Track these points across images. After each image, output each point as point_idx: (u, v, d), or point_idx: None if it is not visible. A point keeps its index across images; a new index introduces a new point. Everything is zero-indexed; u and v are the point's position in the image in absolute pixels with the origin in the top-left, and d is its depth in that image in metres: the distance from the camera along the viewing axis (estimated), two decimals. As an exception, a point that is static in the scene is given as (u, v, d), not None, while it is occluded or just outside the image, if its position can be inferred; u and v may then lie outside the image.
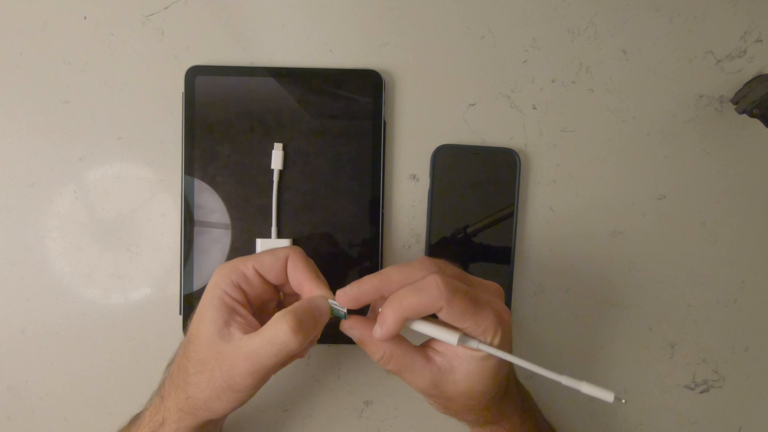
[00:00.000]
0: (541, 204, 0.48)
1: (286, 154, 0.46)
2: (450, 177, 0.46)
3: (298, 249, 0.38)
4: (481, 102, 0.47)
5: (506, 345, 0.35)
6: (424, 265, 0.34)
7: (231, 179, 0.46)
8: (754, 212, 0.48)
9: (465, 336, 0.34)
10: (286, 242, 0.45)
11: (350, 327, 0.36)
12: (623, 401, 0.32)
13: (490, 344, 0.34)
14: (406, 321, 0.34)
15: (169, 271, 0.47)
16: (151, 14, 0.46)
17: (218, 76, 0.45)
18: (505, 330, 0.34)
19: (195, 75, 0.45)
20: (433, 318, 0.34)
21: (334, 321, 0.36)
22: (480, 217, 0.47)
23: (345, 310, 0.35)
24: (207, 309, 0.35)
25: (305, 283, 0.36)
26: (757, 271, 0.48)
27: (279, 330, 0.33)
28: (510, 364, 0.38)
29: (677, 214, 0.48)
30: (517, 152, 0.46)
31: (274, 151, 0.45)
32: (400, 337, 0.36)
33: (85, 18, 0.46)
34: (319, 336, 0.35)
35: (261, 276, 0.37)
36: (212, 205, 0.46)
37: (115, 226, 0.47)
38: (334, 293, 0.35)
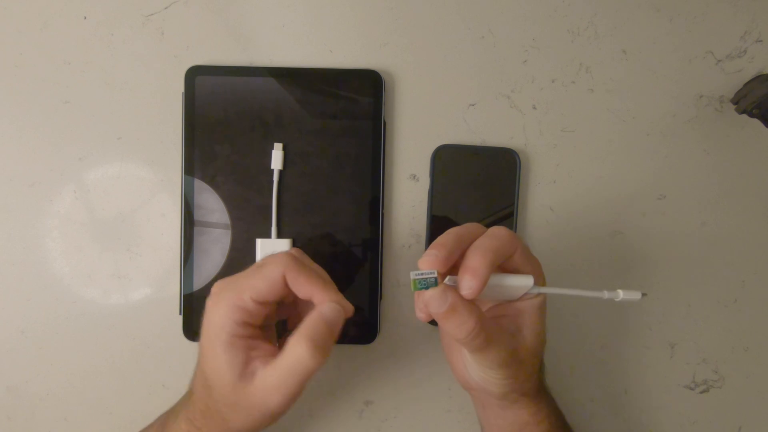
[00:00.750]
0: (541, 204, 0.48)
1: (286, 154, 0.46)
2: (450, 177, 0.46)
3: (291, 258, 0.36)
4: (481, 102, 0.47)
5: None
6: (475, 224, 0.36)
7: (231, 179, 0.46)
8: (754, 212, 0.48)
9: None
10: (286, 242, 0.45)
11: (442, 293, 0.32)
12: (646, 294, 0.36)
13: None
14: (492, 270, 0.33)
15: (169, 271, 0.47)
16: (151, 14, 0.46)
17: (218, 76, 0.45)
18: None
19: (195, 75, 0.45)
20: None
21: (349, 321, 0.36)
22: (480, 217, 0.47)
23: (435, 275, 0.33)
24: (220, 353, 0.34)
25: (314, 293, 0.35)
26: (757, 271, 0.48)
27: (298, 357, 0.33)
28: None
29: (677, 214, 0.48)
30: (517, 152, 0.46)
31: (274, 151, 0.45)
32: (478, 308, 0.34)
33: (85, 18, 0.46)
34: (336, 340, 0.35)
35: (261, 302, 0.35)
36: (212, 205, 0.46)
37: (115, 226, 0.47)
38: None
